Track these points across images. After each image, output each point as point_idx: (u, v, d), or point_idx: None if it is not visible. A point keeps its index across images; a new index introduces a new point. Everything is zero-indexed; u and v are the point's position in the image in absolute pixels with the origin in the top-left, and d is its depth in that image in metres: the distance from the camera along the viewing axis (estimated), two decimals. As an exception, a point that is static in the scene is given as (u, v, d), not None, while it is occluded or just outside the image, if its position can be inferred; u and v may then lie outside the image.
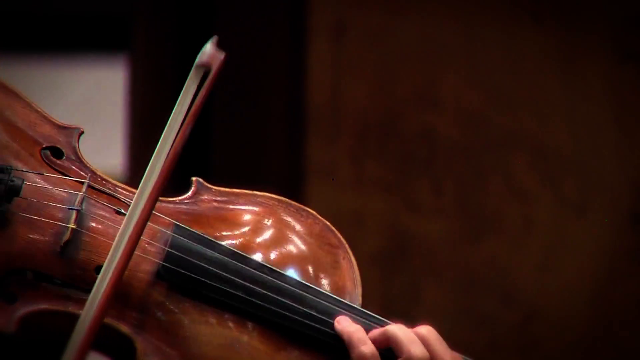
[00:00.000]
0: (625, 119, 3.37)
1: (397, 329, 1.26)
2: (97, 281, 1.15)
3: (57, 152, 1.29)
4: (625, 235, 3.28)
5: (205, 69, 1.19)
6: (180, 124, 1.19)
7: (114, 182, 1.30)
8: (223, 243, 1.28)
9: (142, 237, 1.19)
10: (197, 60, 1.20)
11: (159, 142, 1.19)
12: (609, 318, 3.31)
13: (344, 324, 1.25)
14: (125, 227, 1.17)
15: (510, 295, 3.36)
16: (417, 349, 1.26)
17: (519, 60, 3.39)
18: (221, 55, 1.21)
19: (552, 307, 3.30)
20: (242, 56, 3.39)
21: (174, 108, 1.19)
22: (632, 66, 3.36)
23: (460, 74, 3.39)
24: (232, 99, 3.33)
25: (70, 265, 1.22)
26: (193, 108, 1.19)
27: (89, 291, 1.15)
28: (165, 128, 1.19)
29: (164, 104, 3.13)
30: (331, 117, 3.24)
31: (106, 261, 1.16)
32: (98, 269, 1.19)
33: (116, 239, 1.17)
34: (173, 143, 1.18)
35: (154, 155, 1.19)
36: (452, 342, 3.52)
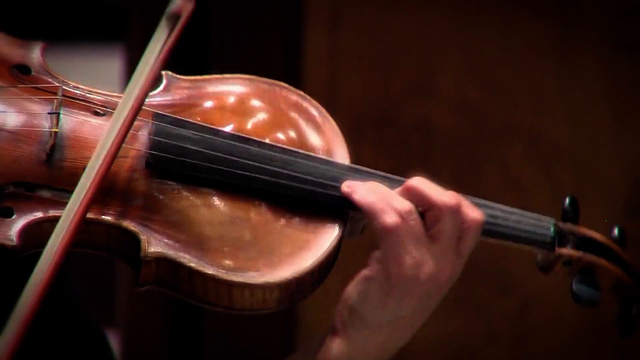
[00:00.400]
0: (621, 110, 3.37)
1: (419, 182, 1.26)
2: (82, 177, 1.16)
3: (25, 69, 1.30)
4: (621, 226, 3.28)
5: (176, 17, 1.20)
6: (149, 69, 1.20)
7: (87, 87, 1.32)
8: (206, 124, 1.30)
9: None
10: (168, 9, 1.21)
11: (127, 88, 1.21)
12: (605, 308, 3.31)
13: (361, 193, 1.24)
14: (113, 123, 1.19)
15: (506, 285, 3.37)
16: (447, 196, 1.24)
17: (514, 51, 3.39)
18: (190, 4, 1.22)
19: (548, 297, 3.30)
20: (238, 48, 3.38)
21: (144, 54, 1.21)
22: (628, 57, 3.36)
23: (456, 65, 3.39)
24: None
25: (59, 170, 1.23)
26: (162, 53, 1.20)
27: None
28: (134, 74, 1.21)
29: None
30: (327, 108, 3.24)
31: (94, 154, 1.17)
32: None
33: (102, 137, 1.18)
34: (142, 88, 1.20)
35: (124, 94, 1.21)
36: (449, 331, 3.53)
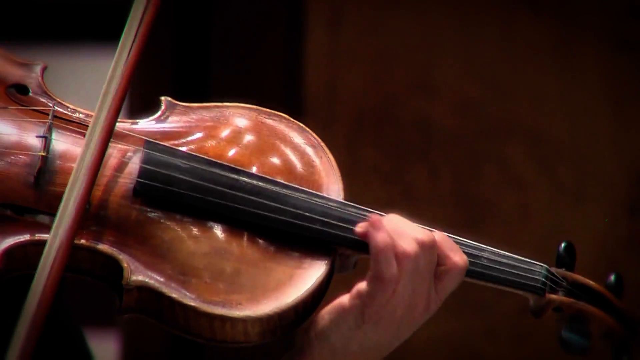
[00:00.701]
0: (622, 108, 3.37)
1: (393, 220, 1.24)
2: (62, 202, 1.15)
3: (22, 89, 1.29)
4: (621, 224, 3.28)
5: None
6: (130, 46, 1.20)
7: (84, 110, 1.30)
8: (197, 154, 1.28)
9: (115, 157, 1.22)
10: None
11: (110, 68, 1.21)
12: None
13: (376, 236, 1.22)
14: (85, 148, 1.18)
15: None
16: (420, 233, 1.23)
17: (514, 49, 3.39)
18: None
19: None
20: (240, 46, 3.38)
21: (122, 35, 1.21)
22: (628, 56, 3.36)
23: (456, 64, 3.39)
24: (230, 89, 3.33)
25: (46, 194, 1.22)
26: (142, 29, 1.20)
27: None
28: (116, 54, 1.21)
29: (160, 91, 3.13)
30: (328, 106, 3.23)
31: (69, 182, 1.16)
32: None
33: (77, 160, 1.18)
34: (125, 65, 1.20)
35: (106, 80, 1.20)
36: (449, 330, 3.52)
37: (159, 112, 1.33)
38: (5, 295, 1.24)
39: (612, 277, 1.31)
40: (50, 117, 1.26)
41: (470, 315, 3.37)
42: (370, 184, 3.24)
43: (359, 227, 1.24)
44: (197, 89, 3.29)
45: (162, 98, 1.33)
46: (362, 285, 1.24)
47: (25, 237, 1.19)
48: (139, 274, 1.20)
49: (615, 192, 3.33)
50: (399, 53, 3.39)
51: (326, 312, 1.27)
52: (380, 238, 1.21)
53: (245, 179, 1.27)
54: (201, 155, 1.28)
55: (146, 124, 1.31)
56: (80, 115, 1.29)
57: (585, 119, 3.36)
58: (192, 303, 1.20)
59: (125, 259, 1.20)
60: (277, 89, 3.36)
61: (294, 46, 3.37)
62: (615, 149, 3.36)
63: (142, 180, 1.24)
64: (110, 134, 1.19)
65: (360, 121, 3.31)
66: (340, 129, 3.26)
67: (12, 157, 1.23)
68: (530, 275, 1.28)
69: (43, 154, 1.22)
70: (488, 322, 3.39)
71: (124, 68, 1.20)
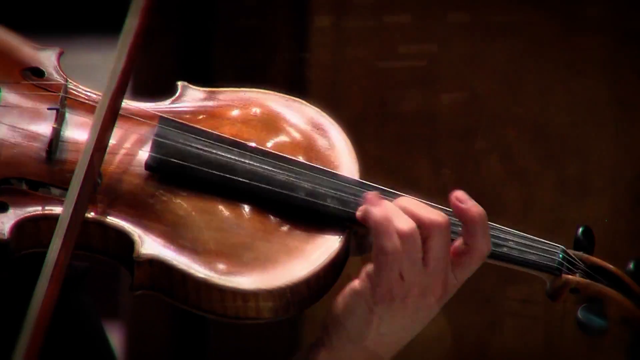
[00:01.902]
0: (626, 100, 3.36)
1: (407, 201, 1.24)
2: (74, 176, 1.16)
3: (38, 72, 1.31)
4: (625, 216, 3.27)
5: None
6: (135, 30, 1.20)
7: (97, 92, 1.31)
8: (211, 130, 1.29)
9: (129, 132, 1.23)
10: None
11: (117, 52, 1.21)
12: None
13: (373, 210, 1.22)
14: (95, 121, 1.18)
15: (510, 276, 3.36)
16: (435, 214, 1.23)
17: (518, 41, 3.38)
18: None
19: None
20: (243, 34, 3.37)
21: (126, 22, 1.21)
22: (632, 46, 3.35)
23: (460, 53, 3.38)
24: (234, 77, 3.32)
25: (58, 168, 1.23)
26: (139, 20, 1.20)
27: None
28: (121, 36, 1.21)
29: (165, 77, 3.12)
30: (331, 96, 3.23)
31: (80, 156, 1.17)
32: None
33: (88, 134, 1.18)
34: (129, 49, 1.20)
35: (114, 61, 1.20)
36: (454, 322, 3.51)
37: (175, 95, 1.34)
38: (20, 278, 1.23)
39: (632, 264, 1.30)
40: (62, 91, 1.27)
41: (475, 307, 3.36)
42: (373, 176, 3.24)
43: (360, 209, 1.24)
44: (200, 74, 3.28)
45: (179, 83, 1.34)
46: (369, 266, 1.24)
47: (37, 210, 1.19)
48: (150, 247, 1.20)
49: (620, 184, 3.32)
50: (402, 44, 3.38)
51: (340, 298, 1.27)
52: (377, 211, 1.20)
53: (259, 155, 1.27)
54: (214, 132, 1.28)
55: (162, 105, 1.32)
56: (93, 95, 1.31)
57: (590, 109, 3.35)
58: (203, 276, 1.19)
59: (136, 233, 1.20)
60: (280, 79, 3.35)
61: (297, 36, 3.36)
62: (619, 142, 3.35)
63: (154, 155, 1.25)
64: (117, 108, 1.20)
65: (363, 113, 3.30)
66: (343, 120, 3.25)
67: (25, 131, 1.24)
68: (548, 256, 1.28)
69: (55, 125, 1.23)
70: (493, 314, 3.39)
71: (130, 44, 1.20)
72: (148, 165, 1.24)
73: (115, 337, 3.40)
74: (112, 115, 1.18)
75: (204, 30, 3.33)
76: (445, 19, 3.37)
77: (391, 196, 1.27)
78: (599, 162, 3.34)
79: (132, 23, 1.19)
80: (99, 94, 1.29)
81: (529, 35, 3.37)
